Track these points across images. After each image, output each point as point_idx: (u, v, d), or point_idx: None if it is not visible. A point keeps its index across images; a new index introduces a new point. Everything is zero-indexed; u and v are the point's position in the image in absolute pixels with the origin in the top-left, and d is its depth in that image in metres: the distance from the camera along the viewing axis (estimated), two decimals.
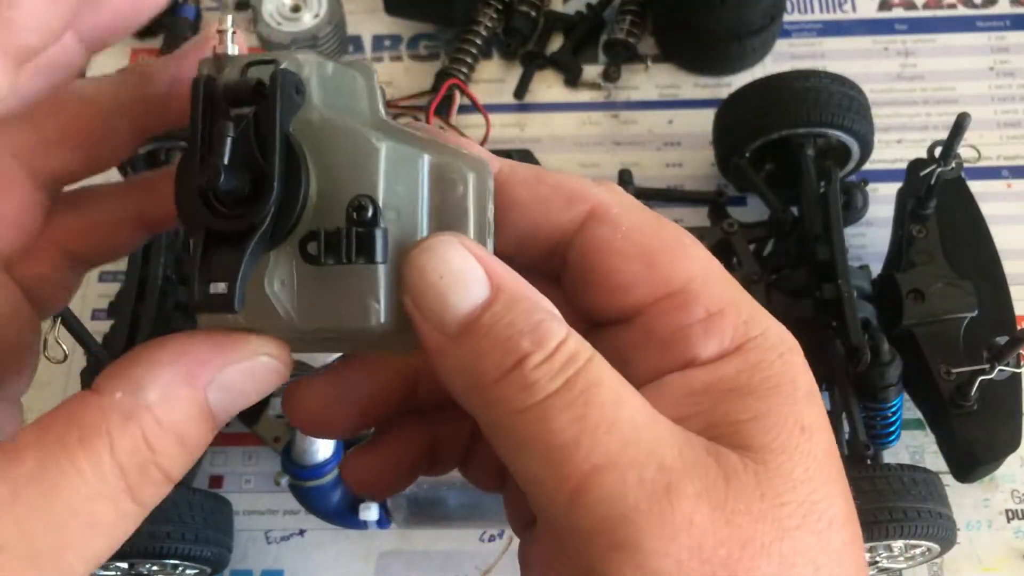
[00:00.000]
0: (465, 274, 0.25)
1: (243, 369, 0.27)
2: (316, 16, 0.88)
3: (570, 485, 0.23)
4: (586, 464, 0.23)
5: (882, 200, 0.79)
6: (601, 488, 0.23)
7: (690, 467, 0.24)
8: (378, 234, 0.26)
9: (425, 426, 0.33)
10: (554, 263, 0.30)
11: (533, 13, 0.91)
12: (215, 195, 0.25)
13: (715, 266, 0.29)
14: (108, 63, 0.92)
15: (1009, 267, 0.71)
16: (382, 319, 0.26)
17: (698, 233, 0.68)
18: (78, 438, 0.24)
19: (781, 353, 0.27)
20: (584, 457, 0.23)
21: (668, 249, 0.28)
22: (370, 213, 0.26)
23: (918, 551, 0.64)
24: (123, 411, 0.25)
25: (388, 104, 0.86)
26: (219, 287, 0.25)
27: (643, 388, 0.26)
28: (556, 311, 0.26)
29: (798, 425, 0.25)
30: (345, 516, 0.70)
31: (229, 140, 0.24)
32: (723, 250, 0.73)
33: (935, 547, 0.64)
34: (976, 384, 0.63)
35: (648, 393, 0.26)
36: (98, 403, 0.25)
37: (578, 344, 0.25)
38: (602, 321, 0.30)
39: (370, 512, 0.69)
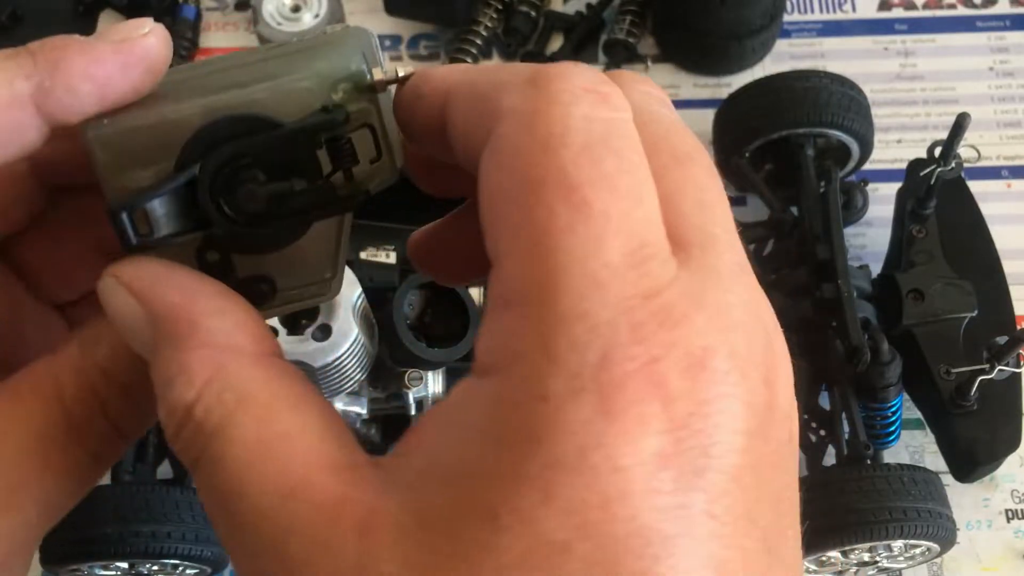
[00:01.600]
0: (127, 319, 0.23)
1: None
2: (316, 16, 0.88)
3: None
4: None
5: (882, 200, 0.79)
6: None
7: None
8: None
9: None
10: None
11: (533, 13, 0.91)
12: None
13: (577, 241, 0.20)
14: None
15: (1009, 267, 0.71)
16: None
17: None
18: (29, 385, 0.25)
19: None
20: None
21: (509, 202, 0.21)
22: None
23: (918, 551, 0.64)
24: (72, 365, 0.25)
25: None
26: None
27: None
28: (220, 337, 0.23)
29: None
30: None
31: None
32: None
33: (935, 547, 0.64)
34: (976, 384, 0.63)
35: None
36: (55, 355, 0.25)
37: (205, 412, 0.22)
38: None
39: None
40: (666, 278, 0.20)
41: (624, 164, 0.21)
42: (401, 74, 0.26)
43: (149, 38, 0.24)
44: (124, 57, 0.24)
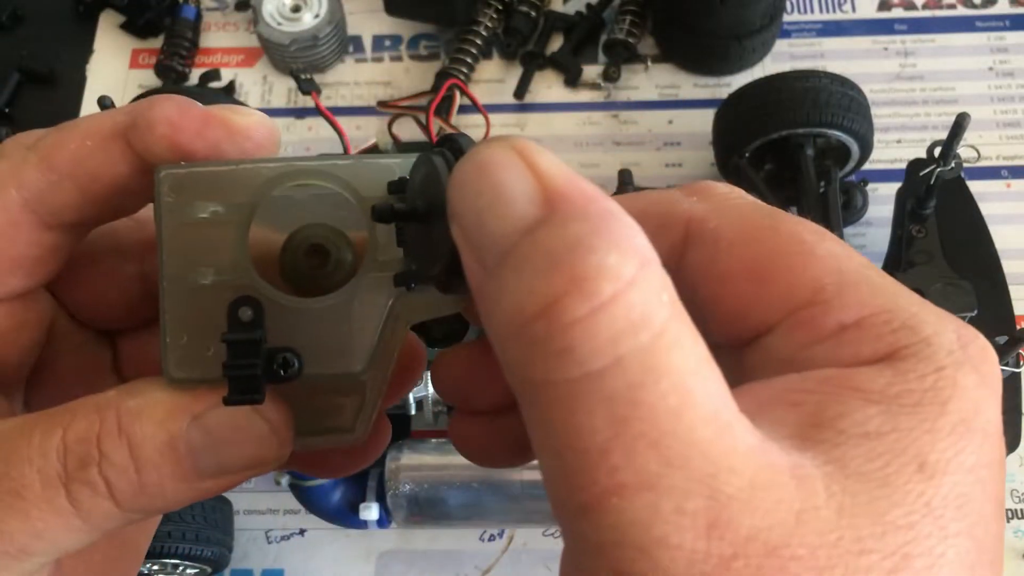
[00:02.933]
0: (508, 188, 0.19)
1: (228, 415, 0.25)
2: (316, 16, 0.88)
3: (582, 498, 0.18)
4: (610, 480, 0.18)
5: (882, 200, 0.80)
6: (620, 512, 0.18)
7: (756, 497, 0.18)
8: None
9: None
10: None
11: (533, 13, 0.91)
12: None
13: (855, 265, 0.23)
14: (108, 63, 0.92)
15: (1008, 267, 0.71)
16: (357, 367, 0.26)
17: None
18: (47, 414, 0.25)
19: (942, 367, 0.21)
20: (609, 471, 0.18)
21: (784, 254, 0.23)
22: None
23: None
24: (98, 402, 0.25)
25: (388, 104, 0.87)
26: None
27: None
28: (644, 242, 0.19)
29: (917, 459, 0.20)
30: (345, 515, 0.70)
31: None
32: None
33: None
34: None
35: (764, 380, 0.22)
36: (93, 397, 0.25)
37: (644, 307, 0.18)
38: (721, 346, 0.24)
39: (370, 511, 0.69)
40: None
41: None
42: None
43: (244, 117, 0.26)
44: (205, 118, 0.26)
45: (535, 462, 0.21)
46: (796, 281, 0.23)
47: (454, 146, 0.24)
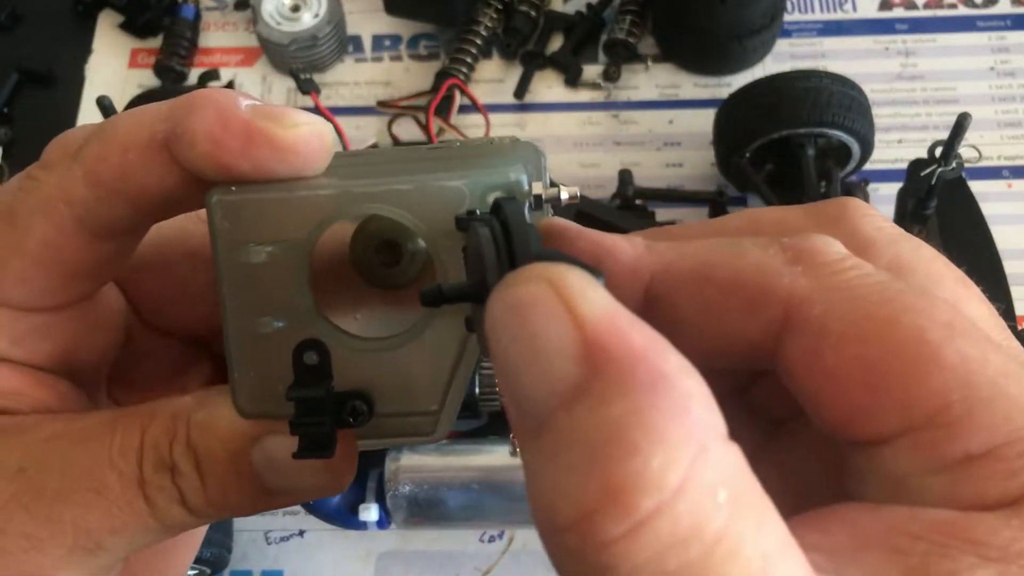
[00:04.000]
0: (543, 340, 0.16)
1: (287, 443, 0.24)
2: (316, 16, 0.87)
3: None
4: None
5: (883, 200, 0.79)
6: None
7: None
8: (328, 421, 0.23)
9: None
10: (746, 377, 0.23)
11: (533, 13, 0.91)
12: None
13: (991, 372, 0.19)
14: (107, 62, 0.92)
15: (1010, 267, 0.71)
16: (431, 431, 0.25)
17: None
18: (128, 414, 0.25)
19: None
20: None
21: (903, 359, 0.19)
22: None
23: None
24: (176, 408, 0.25)
25: (387, 104, 0.86)
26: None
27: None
28: (703, 414, 0.16)
29: None
30: (345, 516, 0.70)
31: None
32: None
33: None
34: None
35: (868, 506, 0.19)
36: (173, 401, 0.26)
37: (698, 510, 0.15)
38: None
39: (370, 512, 0.68)
40: None
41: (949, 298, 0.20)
42: (564, 196, 0.24)
43: (289, 131, 0.24)
44: (247, 134, 0.24)
45: None
46: (917, 394, 0.19)
47: (502, 216, 0.21)
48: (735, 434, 0.28)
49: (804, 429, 0.23)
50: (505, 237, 0.20)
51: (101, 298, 0.29)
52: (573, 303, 0.16)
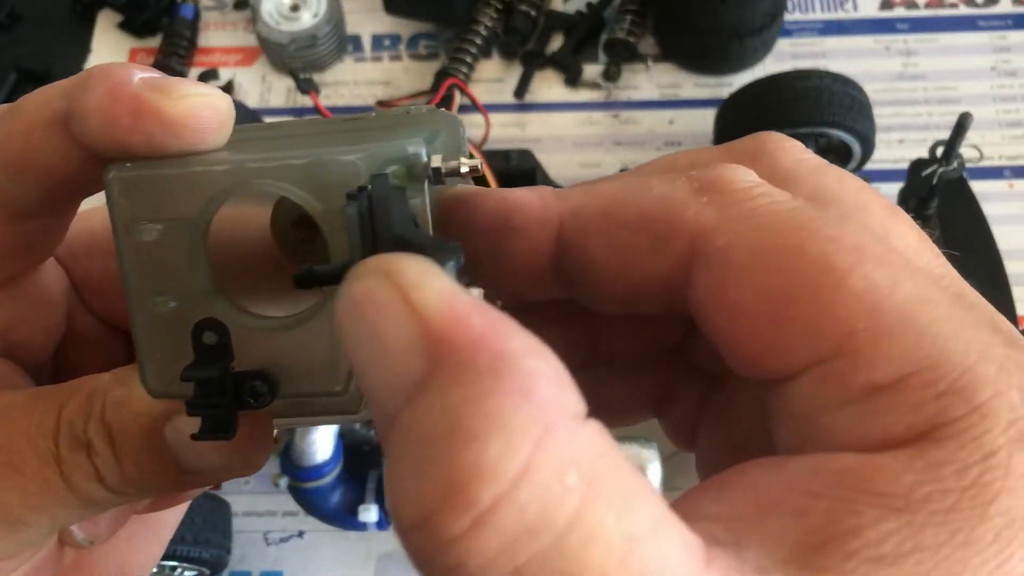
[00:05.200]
0: (386, 336, 0.16)
1: (195, 421, 0.24)
2: (315, 15, 0.87)
3: None
4: None
5: None
6: None
7: None
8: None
9: (595, 382, 0.27)
10: (676, 316, 0.22)
11: (533, 12, 0.90)
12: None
13: (901, 297, 0.18)
14: (106, 62, 0.92)
15: (1011, 267, 0.70)
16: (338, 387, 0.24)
17: None
18: (50, 391, 0.25)
19: (993, 450, 0.17)
20: None
21: (807, 287, 0.19)
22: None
23: None
24: (95, 385, 0.25)
25: (387, 104, 0.86)
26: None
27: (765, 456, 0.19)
28: (549, 390, 0.15)
29: None
30: (344, 517, 0.70)
31: None
32: None
33: None
34: None
35: (770, 462, 0.19)
36: (94, 378, 0.25)
37: (545, 495, 0.15)
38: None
39: (369, 513, 0.68)
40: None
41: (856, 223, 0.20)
42: (464, 169, 0.24)
43: (178, 103, 0.23)
44: (137, 108, 0.23)
45: None
46: (821, 324, 0.18)
47: (369, 195, 0.21)
48: (675, 392, 0.27)
49: (742, 382, 0.22)
50: (370, 217, 0.20)
51: (40, 278, 0.28)
52: (410, 295, 0.16)
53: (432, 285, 0.16)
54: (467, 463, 0.14)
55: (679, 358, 0.27)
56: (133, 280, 0.24)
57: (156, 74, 0.24)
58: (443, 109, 0.26)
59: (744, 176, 0.21)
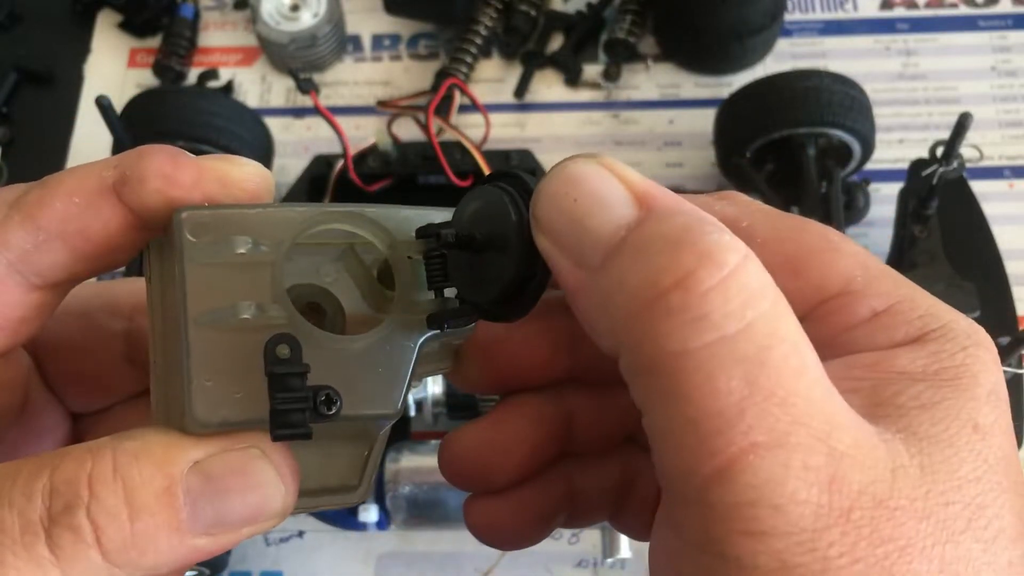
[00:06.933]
0: (604, 193, 0.22)
1: (232, 459, 0.23)
2: (315, 15, 0.87)
3: (718, 460, 0.20)
4: (745, 440, 0.20)
5: (884, 200, 0.79)
6: (756, 471, 0.20)
7: (861, 454, 0.20)
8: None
9: (567, 474, 0.31)
10: None
11: (533, 12, 0.90)
12: None
13: (875, 262, 0.26)
14: (106, 62, 0.92)
15: (1011, 267, 0.70)
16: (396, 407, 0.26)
17: None
18: (39, 456, 0.23)
19: (965, 347, 0.24)
20: (745, 431, 0.20)
21: (815, 251, 0.25)
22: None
23: None
24: (90, 446, 0.23)
25: (387, 104, 0.86)
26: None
27: None
28: (729, 232, 0.21)
29: (971, 422, 0.22)
30: (344, 517, 0.70)
31: None
32: None
33: None
34: None
35: None
36: (83, 443, 0.24)
37: (762, 278, 0.21)
38: None
39: (369, 513, 0.68)
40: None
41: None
42: None
43: (240, 168, 0.26)
44: (199, 171, 0.25)
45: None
46: (828, 273, 0.25)
47: (514, 181, 0.25)
48: (639, 472, 0.32)
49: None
50: (519, 191, 0.25)
51: (10, 357, 0.27)
52: (620, 172, 0.22)
53: (634, 171, 0.23)
54: (712, 240, 0.20)
55: (642, 445, 0.30)
56: (196, 299, 0.24)
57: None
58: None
59: (745, 196, 0.28)
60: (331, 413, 0.24)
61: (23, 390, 0.29)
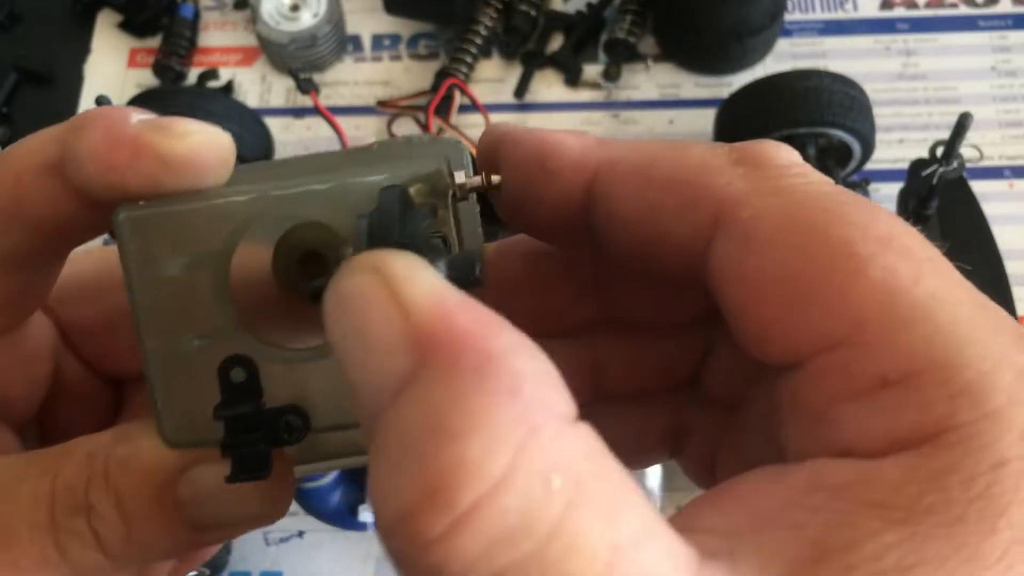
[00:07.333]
0: (373, 332, 0.16)
1: (218, 471, 0.22)
2: (315, 15, 0.87)
3: None
4: None
5: (884, 200, 0.79)
6: None
7: None
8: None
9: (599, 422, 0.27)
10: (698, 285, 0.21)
11: (533, 12, 0.90)
12: None
13: (921, 293, 0.17)
14: (106, 62, 0.92)
15: (1011, 268, 0.70)
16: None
17: None
18: (41, 456, 0.24)
19: (1004, 460, 0.16)
20: None
21: (825, 271, 0.18)
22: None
23: None
24: (91, 447, 0.23)
25: (387, 104, 0.86)
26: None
27: (773, 465, 0.18)
28: (538, 393, 0.15)
29: None
30: (344, 518, 0.70)
31: None
32: None
33: None
34: None
35: (770, 473, 0.18)
36: (90, 438, 0.24)
37: (528, 500, 0.14)
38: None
39: (369, 514, 0.68)
40: None
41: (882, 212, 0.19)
42: (495, 179, 0.24)
43: (180, 141, 0.22)
44: (136, 148, 0.22)
45: None
46: (833, 308, 0.18)
47: (378, 210, 0.20)
48: (690, 429, 0.27)
49: (757, 408, 0.22)
50: (378, 226, 0.19)
51: (27, 330, 0.27)
52: (399, 291, 0.16)
53: (421, 281, 0.16)
54: (448, 462, 0.14)
55: (691, 393, 0.27)
56: (150, 323, 0.23)
57: (152, 115, 0.23)
58: (446, 135, 0.25)
59: (787, 154, 0.21)
60: (291, 439, 0.23)
61: (49, 362, 0.28)
